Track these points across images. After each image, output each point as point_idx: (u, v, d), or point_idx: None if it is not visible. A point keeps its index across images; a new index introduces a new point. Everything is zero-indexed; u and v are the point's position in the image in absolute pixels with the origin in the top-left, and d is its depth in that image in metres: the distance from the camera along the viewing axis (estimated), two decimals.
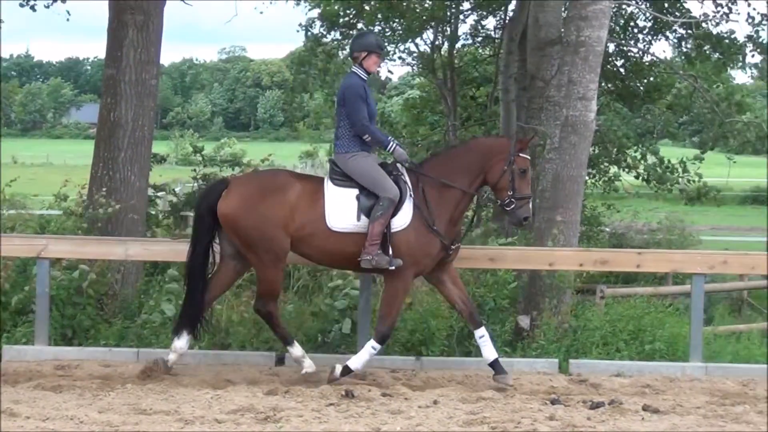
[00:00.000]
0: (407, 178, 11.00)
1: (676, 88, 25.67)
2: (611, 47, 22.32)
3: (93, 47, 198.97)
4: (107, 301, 12.94)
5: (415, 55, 27.14)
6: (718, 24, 23.19)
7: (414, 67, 29.37)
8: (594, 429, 9.16)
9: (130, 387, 10.34)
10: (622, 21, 24.21)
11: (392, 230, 10.74)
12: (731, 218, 40.68)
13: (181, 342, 11.06)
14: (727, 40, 23.36)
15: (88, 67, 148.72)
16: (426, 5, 25.42)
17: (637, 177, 25.26)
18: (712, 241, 29.47)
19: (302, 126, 78.83)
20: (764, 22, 22.75)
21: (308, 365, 11.10)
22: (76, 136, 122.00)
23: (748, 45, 23.51)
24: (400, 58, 28.15)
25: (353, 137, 10.97)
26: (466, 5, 26.59)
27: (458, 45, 27.82)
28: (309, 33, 26.33)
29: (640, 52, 24.08)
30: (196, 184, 16.74)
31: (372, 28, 25.45)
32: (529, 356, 12.34)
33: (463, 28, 27.40)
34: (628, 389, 11.19)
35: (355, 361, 10.94)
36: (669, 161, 24.82)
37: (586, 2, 13.28)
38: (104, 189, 13.63)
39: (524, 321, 12.99)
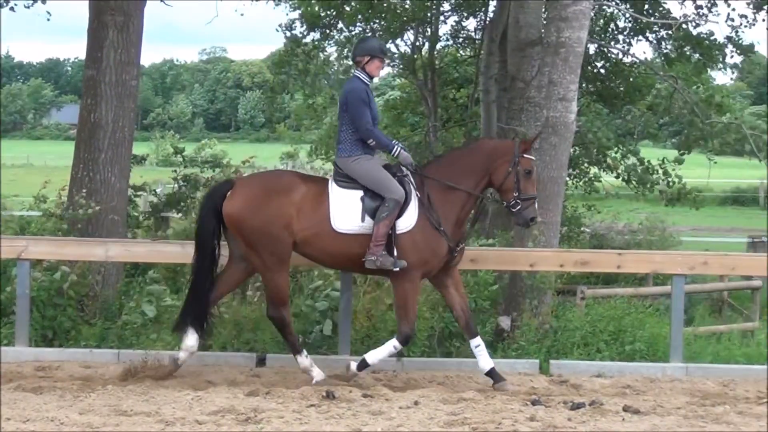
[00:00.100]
0: (412, 180, 11.02)
1: (656, 89, 25.71)
2: (591, 48, 22.33)
3: (74, 48, 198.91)
4: (88, 303, 12.92)
5: (395, 56, 27.11)
6: (698, 25, 23.32)
7: (394, 68, 29.30)
8: (575, 429, 9.17)
9: (111, 388, 10.32)
10: (602, 22, 24.27)
11: (398, 232, 10.76)
12: (711, 219, 40.73)
13: (191, 340, 11.08)
14: (707, 41, 23.45)
15: (69, 68, 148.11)
16: (406, 6, 25.39)
17: (617, 177, 25.29)
18: (693, 242, 29.51)
19: (283, 127, 78.70)
20: (744, 23, 22.87)
21: (317, 374, 11.08)
22: (56, 137, 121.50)
23: (727, 46, 23.62)
24: None
25: (356, 141, 10.98)
26: (446, 6, 26.58)
27: (439, 46, 27.75)
28: (289, 34, 26.28)
29: (620, 53, 24.12)
30: (176, 185, 16.71)
31: (352, 29, 25.47)
32: (510, 357, 12.37)
33: (444, 29, 27.35)
34: (608, 390, 11.22)
35: (373, 356, 11.00)
36: (649, 162, 24.85)
37: (567, 3, 13.32)
38: (84, 190, 13.63)
39: (505, 322, 13.02)
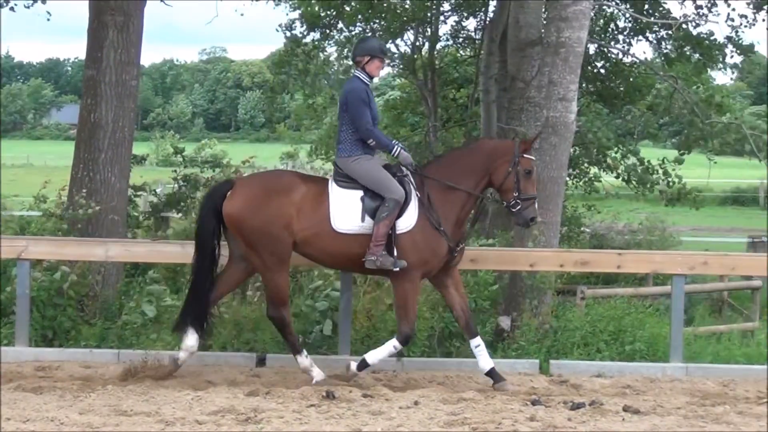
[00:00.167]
0: (412, 180, 11.02)
1: (656, 89, 25.70)
2: (591, 48, 22.33)
3: (74, 48, 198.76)
4: (88, 303, 12.92)
5: (395, 56, 27.09)
6: (698, 25, 23.32)
7: (394, 68, 29.28)
8: (575, 429, 9.17)
9: (111, 388, 10.32)
10: (602, 22, 24.26)
11: (398, 232, 10.76)
12: (711, 219, 40.72)
13: (191, 340, 11.07)
14: (707, 41, 23.45)
15: (69, 68, 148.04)
16: (406, 6, 25.38)
17: (617, 177, 25.28)
18: (693, 242, 29.50)
19: (283, 127, 78.68)
20: (744, 23, 22.86)
21: (317, 374, 11.07)
22: (56, 137, 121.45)
23: (727, 46, 23.61)
24: None
25: (356, 141, 10.98)
26: (446, 6, 26.57)
27: (439, 46, 27.75)
28: (289, 34, 26.28)
29: (621, 53, 24.11)
30: (176, 185, 16.70)
31: (352, 29, 25.47)
32: (510, 357, 12.37)
33: (444, 29, 27.36)
34: (608, 390, 11.22)
35: (373, 356, 11.00)
36: (649, 162, 24.84)
37: (567, 3, 13.32)
38: (84, 190, 13.62)
39: (505, 322, 13.01)
